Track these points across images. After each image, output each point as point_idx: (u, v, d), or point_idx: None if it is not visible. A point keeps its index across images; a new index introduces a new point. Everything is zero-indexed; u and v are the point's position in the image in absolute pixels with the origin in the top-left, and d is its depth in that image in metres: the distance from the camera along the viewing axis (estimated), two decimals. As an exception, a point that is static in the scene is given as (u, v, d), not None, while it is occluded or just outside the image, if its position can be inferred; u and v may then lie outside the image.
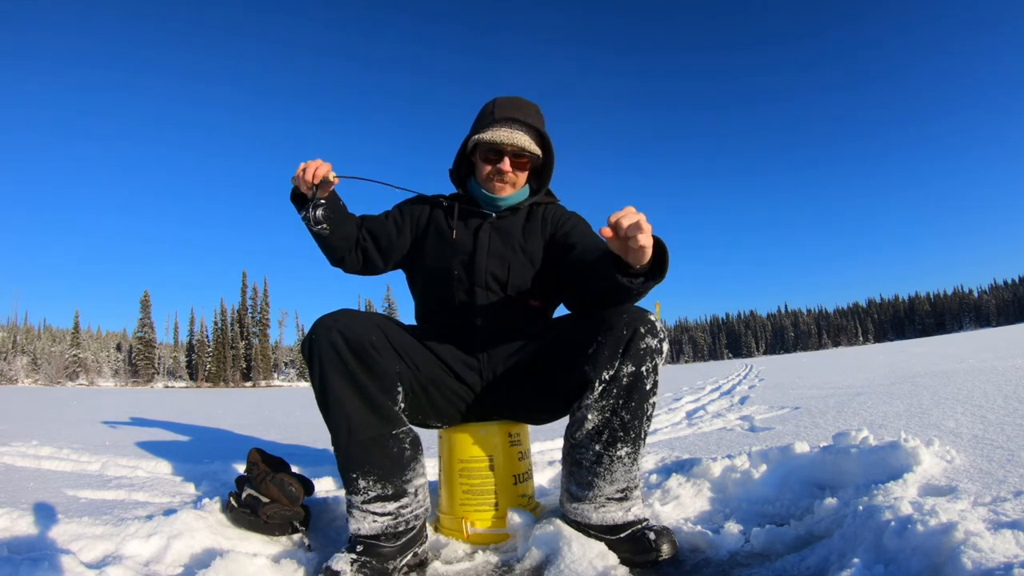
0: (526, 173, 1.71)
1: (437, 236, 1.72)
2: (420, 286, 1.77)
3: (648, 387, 1.38)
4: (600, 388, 1.37)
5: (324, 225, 1.61)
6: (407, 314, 1.82)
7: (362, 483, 1.40)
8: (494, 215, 1.71)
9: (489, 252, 1.66)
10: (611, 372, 1.36)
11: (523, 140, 1.63)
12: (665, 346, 1.39)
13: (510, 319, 1.64)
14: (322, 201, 1.58)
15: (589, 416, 1.39)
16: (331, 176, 1.54)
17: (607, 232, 1.15)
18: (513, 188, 1.69)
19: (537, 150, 1.67)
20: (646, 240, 1.15)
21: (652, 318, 1.39)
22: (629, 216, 1.14)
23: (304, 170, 1.52)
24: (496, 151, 1.64)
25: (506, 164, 1.64)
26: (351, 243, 1.71)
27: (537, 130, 1.66)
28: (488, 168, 1.66)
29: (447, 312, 1.67)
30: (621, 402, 1.37)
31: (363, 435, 1.39)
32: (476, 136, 1.64)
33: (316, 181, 1.52)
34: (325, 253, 1.72)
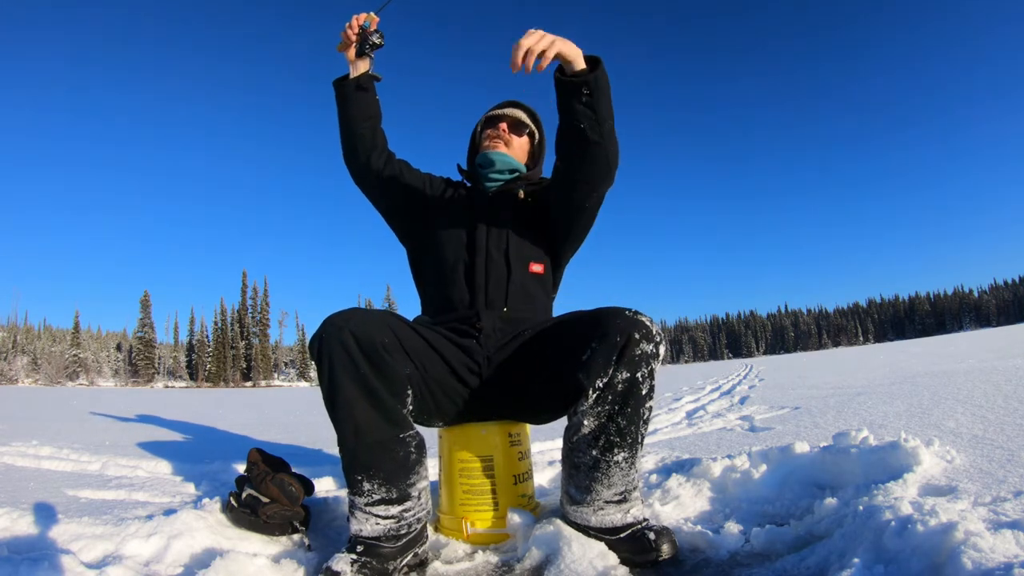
0: (522, 140, 1.87)
1: (445, 211, 1.80)
2: (425, 264, 1.81)
3: (644, 392, 1.37)
4: (595, 395, 1.36)
5: (378, 77, 1.72)
6: (406, 314, 1.83)
7: (366, 485, 1.39)
8: (493, 190, 1.81)
9: (489, 223, 1.73)
10: (605, 379, 1.35)
11: (519, 113, 1.86)
12: (662, 349, 1.39)
13: (512, 290, 1.67)
14: (377, 42, 1.66)
15: (585, 422, 1.39)
16: (372, 16, 1.66)
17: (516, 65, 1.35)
18: (507, 147, 1.83)
19: (532, 125, 1.88)
20: (530, 43, 1.35)
21: (647, 322, 1.38)
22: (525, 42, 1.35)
23: (348, 27, 1.66)
24: (496, 120, 1.85)
25: (503, 126, 1.83)
26: (375, 137, 1.77)
27: (534, 113, 1.90)
28: (489, 131, 1.85)
29: (452, 288, 1.69)
30: (616, 408, 1.36)
31: (371, 438, 1.38)
32: (482, 118, 1.90)
33: (361, 22, 1.65)
34: (347, 130, 1.74)
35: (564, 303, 2.05)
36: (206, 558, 1.37)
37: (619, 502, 1.41)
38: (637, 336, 1.35)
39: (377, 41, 1.65)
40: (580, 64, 1.43)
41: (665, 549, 1.31)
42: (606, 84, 1.46)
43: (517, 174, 1.83)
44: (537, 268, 1.73)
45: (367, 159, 1.75)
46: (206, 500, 1.70)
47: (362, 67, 1.70)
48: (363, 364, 1.36)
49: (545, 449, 2.79)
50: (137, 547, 1.41)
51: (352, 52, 1.68)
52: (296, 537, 1.60)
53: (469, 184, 1.87)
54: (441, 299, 1.72)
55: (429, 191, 1.84)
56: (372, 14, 1.65)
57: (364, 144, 1.74)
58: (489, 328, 1.61)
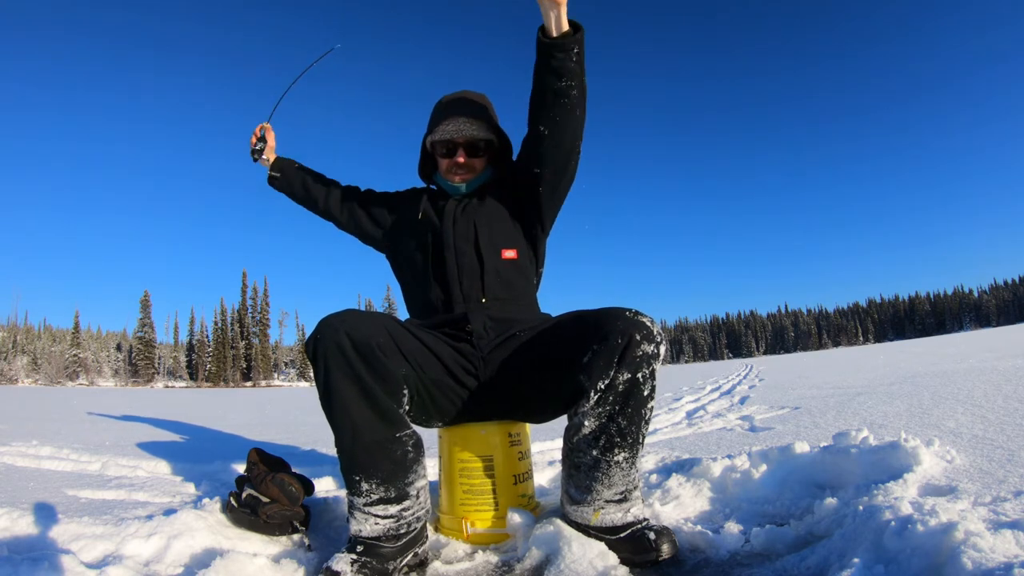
0: (484, 159, 1.78)
1: (411, 218, 1.80)
2: (403, 271, 1.82)
3: (645, 393, 1.37)
4: (596, 396, 1.36)
5: (276, 175, 1.99)
6: (405, 314, 1.84)
7: (365, 486, 1.39)
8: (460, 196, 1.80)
9: (456, 220, 1.72)
10: (607, 381, 1.35)
11: (471, 129, 1.71)
12: (663, 349, 1.39)
13: (488, 281, 1.66)
14: (264, 158, 2.01)
15: (586, 422, 1.39)
16: (264, 125, 2.02)
17: None
18: (473, 173, 1.77)
19: (488, 134, 1.73)
20: None
21: (648, 323, 1.38)
22: None
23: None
24: (450, 145, 1.73)
25: (461, 156, 1.73)
26: (315, 196, 1.96)
27: (485, 117, 1.75)
28: (447, 162, 1.76)
29: (428, 289, 1.69)
30: (618, 408, 1.36)
31: (367, 438, 1.38)
32: (430, 138, 1.75)
33: (257, 135, 1.99)
34: (300, 203, 2.01)
35: (565, 303, 2.05)
36: (206, 558, 1.37)
37: (619, 501, 1.41)
38: (638, 337, 1.35)
39: (259, 148, 1.99)
40: (566, 22, 1.47)
41: (665, 549, 1.31)
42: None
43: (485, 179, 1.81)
44: (510, 254, 1.71)
45: (324, 209, 1.96)
46: (206, 500, 1.70)
47: (271, 157, 2.02)
48: (358, 364, 1.36)
49: (545, 449, 2.79)
50: (137, 547, 1.41)
51: (253, 157, 2.01)
52: (296, 537, 1.60)
53: (435, 188, 1.86)
54: (420, 301, 1.73)
55: (392, 205, 1.88)
56: (264, 124, 2.02)
57: (311, 204, 1.98)
58: (480, 329, 1.60)
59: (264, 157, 2.01)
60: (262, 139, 1.99)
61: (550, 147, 1.60)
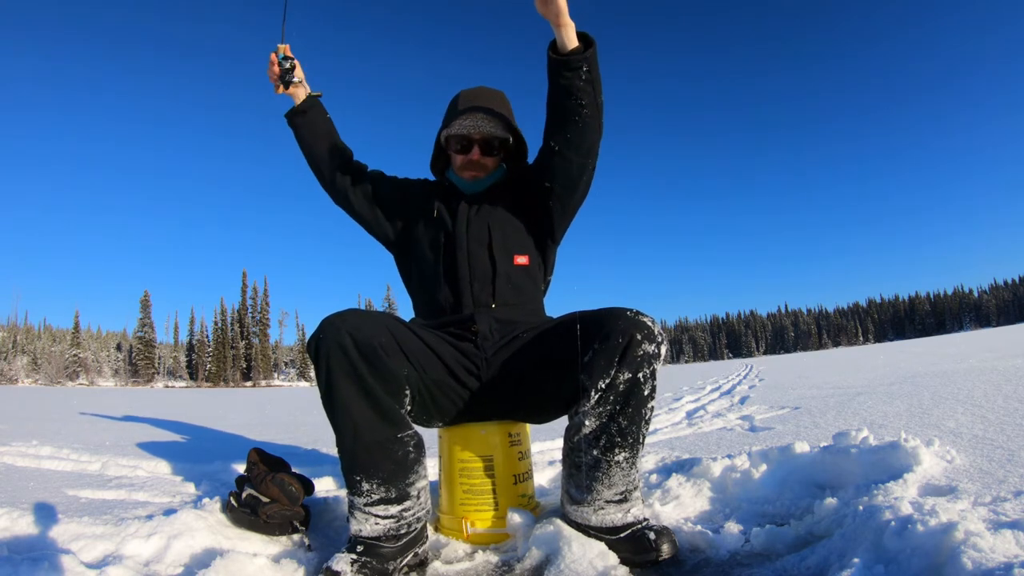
0: (498, 158, 1.76)
1: (423, 214, 1.77)
2: (410, 269, 1.81)
3: (646, 393, 1.37)
4: (597, 396, 1.36)
5: (304, 110, 1.80)
6: (406, 313, 1.84)
7: (366, 486, 1.39)
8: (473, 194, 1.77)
9: (469, 221, 1.70)
10: (607, 380, 1.35)
11: (488, 126, 1.70)
12: (663, 349, 1.39)
13: (499, 285, 1.65)
14: (298, 81, 1.78)
15: (586, 422, 1.39)
16: (281, 46, 1.75)
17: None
18: (486, 172, 1.75)
19: (504, 133, 1.72)
20: None
21: (649, 323, 1.38)
22: None
23: (269, 70, 1.76)
24: (465, 141, 1.71)
25: (476, 153, 1.72)
26: (332, 157, 1.83)
27: (503, 115, 1.72)
28: (461, 158, 1.73)
29: (437, 290, 1.68)
30: (618, 408, 1.36)
31: (369, 438, 1.38)
32: (445, 132, 1.74)
33: (276, 59, 1.74)
34: (307, 155, 1.85)
35: (564, 303, 2.05)
36: (206, 558, 1.37)
37: (619, 502, 1.41)
38: (639, 337, 1.35)
39: (288, 66, 1.74)
40: (574, 39, 1.44)
41: (665, 549, 1.31)
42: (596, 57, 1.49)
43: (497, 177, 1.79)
44: (522, 260, 1.70)
45: (332, 178, 1.82)
46: (206, 500, 1.70)
47: (301, 94, 1.82)
48: (360, 364, 1.36)
49: (545, 449, 2.79)
50: (137, 547, 1.41)
51: (282, 88, 1.78)
52: (296, 537, 1.60)
53: (447, 184, 1.83)
54: (429, 302, 1.72)
55: (405, 197, 1.83)
56: (280, 45, 1.75)
57: (324, 165, 1.83)
58: (485, 330, 1.60)
59: (297, 80, 1.78)
60: (289, 58, 1.74)
61: (562, 163, 1.60)
